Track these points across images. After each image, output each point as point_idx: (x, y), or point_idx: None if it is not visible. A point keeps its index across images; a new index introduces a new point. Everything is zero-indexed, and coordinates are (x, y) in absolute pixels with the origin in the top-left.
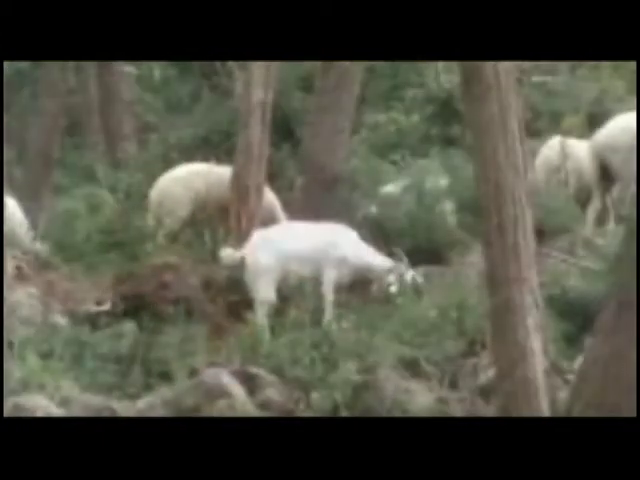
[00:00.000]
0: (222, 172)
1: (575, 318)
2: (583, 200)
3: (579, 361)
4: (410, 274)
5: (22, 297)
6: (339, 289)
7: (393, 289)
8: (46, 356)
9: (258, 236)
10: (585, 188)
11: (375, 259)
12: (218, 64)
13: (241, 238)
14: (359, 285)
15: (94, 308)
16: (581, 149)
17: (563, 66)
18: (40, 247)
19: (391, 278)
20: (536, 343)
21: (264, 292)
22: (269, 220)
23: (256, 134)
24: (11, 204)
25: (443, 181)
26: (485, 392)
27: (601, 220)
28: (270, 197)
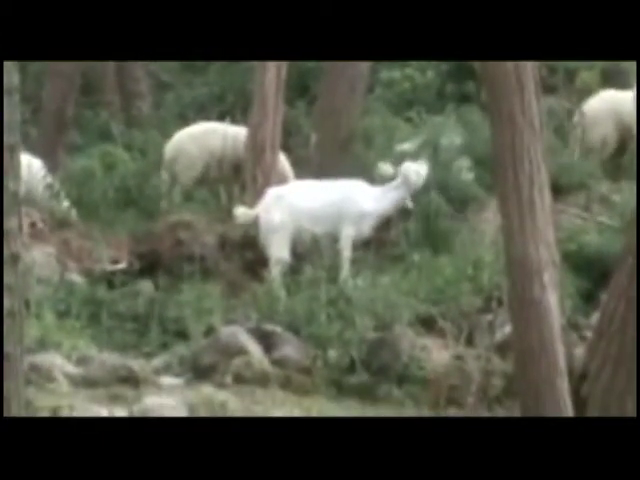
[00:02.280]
0: (237, 130)
1: (591, 274)
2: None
3: (595, 317)
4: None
5: (38, 256)
6: (355, 246)
7: (409, 205)
8: (62, 315)
9: (272, 194)
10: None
11: (389, 196)
12: None
13: (256, 196)
14: (375, 242)
15: (110, 266)
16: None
17: None
18: (58, 205)
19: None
20: (552, 299)
21: (278, 250)
22: (279, 179)
23: (271, 92)
24: (36, 164)
25: (458, 138)
26: (501, 349)
27: (617, 176)
28: (280, 157)
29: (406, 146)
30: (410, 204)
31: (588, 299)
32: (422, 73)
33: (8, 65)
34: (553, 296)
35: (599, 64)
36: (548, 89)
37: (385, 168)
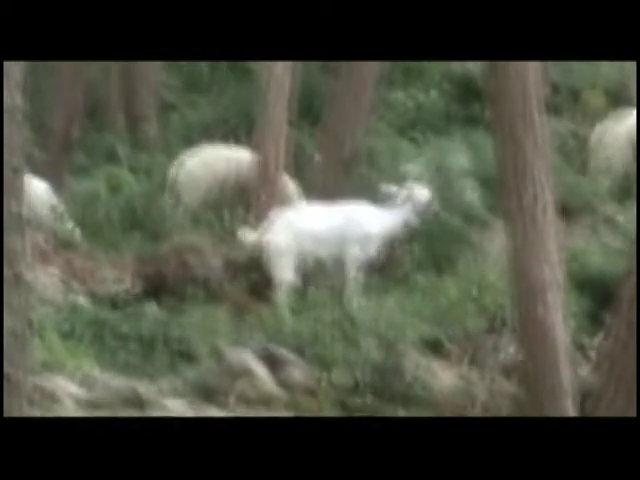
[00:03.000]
0: (242, 152)
1: (596, 295)
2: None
3: (600, 337)
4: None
5: (42, 277)
6: (360, 268)
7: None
8: (66, 336)
9: (277, 216)
10: None
11: (393, 217)
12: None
13: (261, 218)
14: (380, 263)
15: (115, 288)
16: None
17: None
18: (63, 226)
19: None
20: (557, 319)
21: (283, 272)
22: (284, 201)
23: (276, 113)
24: (41, 186)
25: (463, 159)
26: (506, 369)
27: (622, 197)
28: (285, 178)
29: (411, 167)
30: (414, 225)
31: (592, 319)
32: (426, 94)
33: (11, 85)
34: (557, 316)
35: (603, 84)
36: (552, 109)
37: (389, 189)
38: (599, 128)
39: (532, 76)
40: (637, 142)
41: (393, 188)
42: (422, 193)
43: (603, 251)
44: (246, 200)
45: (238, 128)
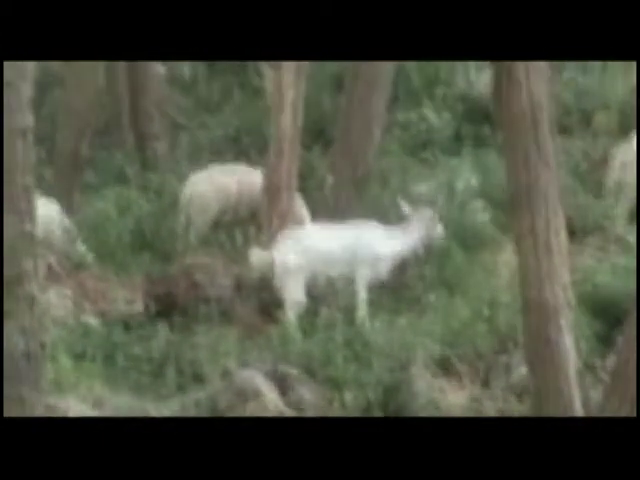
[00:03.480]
0: (253, 172)
1: (607, 316)
2: None
3: (611, 359)
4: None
5: (54, 298)
6: (371, 288)
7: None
8: (78, 357)
9: (287, 237)
10: None
11: (405, 239)
12: (250, 66)
13: (271, 238)
14: (391, 284)
15: (126, 309)
16: None
17: (595, 64)
18: (74, 247)
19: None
20: (568, 341)
21: (294, 292)
22: (295, 221)
23: (287, 134)
24: (52, 207)
25: (474, 180)
26: (518, 390)
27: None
28: (296, 198)
29: (422, 188)
30: (424, 250)
31: (604, 340)
32: (438, 114)
33: (23, 105)
34: (569, 337)
35: (616, 104)
36: (563, 130)
37: (402, 210)
38: (614, 149)
39: (543, 98)
40: (637, 141)
41: (405, 208)
42: (433, 218)
43: (614, 272)
44: (257, 220)
45: (249, 148)
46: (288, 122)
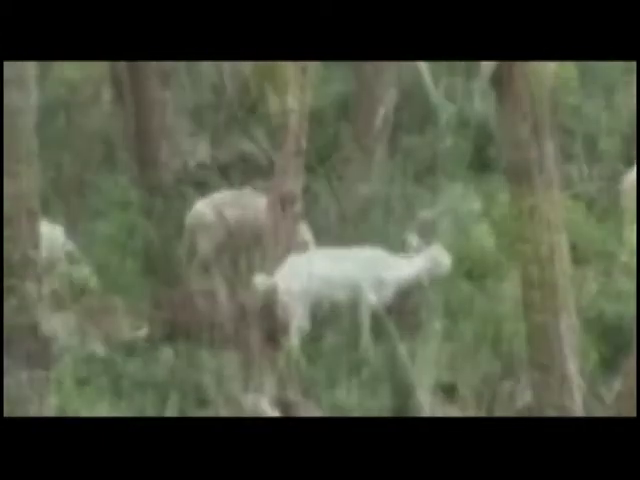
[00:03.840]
0: (257, 197)
1: (612, 342)
2: None
3: (617, 385)
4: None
5: (58, 323)
6: (375, 313)
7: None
8: (82, 382)
9: (291, 262)
10: None
11: (409, 267)
12: (254, 90)
13: (276, 264)
14: (395, 309)
15: (130, 334)
16: None
17: (599, 89)
18: (79, 272)
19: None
20: (573, 367)
21: (298, 318)
22: (299, 247)
23: (291, 160)
24: (57, 231)
25: (478, 205)
26: (522, 416)
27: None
28: (300, 224)
29: (426, 213)
30: (428, 280)
31: (609, 367)
32: (442, 140)
33: (28, 130)
34: (574, 364)
35: (620, 130)
36: (567, 156)
37: (411, 239)
38: (623, 176)
39: (547, 123)
40: (637, 143)
41: (412, 238)
42: (441, 255)
43: (620, 297)
44: (261, 246)
45: (253, 173)
46: (292, 148)
